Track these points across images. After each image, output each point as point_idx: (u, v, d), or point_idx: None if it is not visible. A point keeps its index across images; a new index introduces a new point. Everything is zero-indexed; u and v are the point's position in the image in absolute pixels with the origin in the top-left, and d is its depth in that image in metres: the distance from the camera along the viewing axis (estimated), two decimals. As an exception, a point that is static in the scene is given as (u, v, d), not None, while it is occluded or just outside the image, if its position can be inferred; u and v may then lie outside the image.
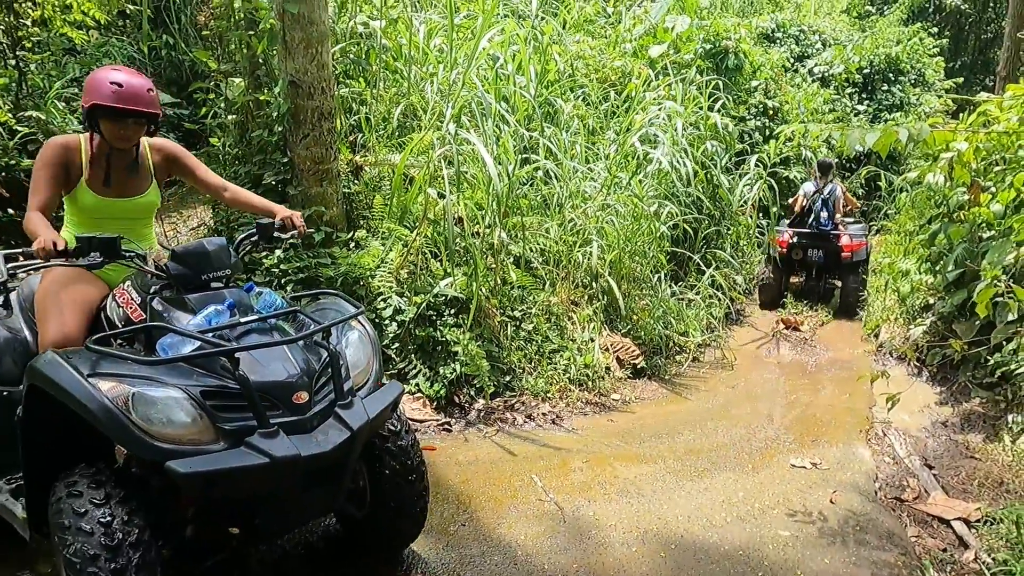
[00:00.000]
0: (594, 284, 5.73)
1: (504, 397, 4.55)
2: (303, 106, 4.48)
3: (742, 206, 7.96)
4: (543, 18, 6.81)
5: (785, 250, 7.70)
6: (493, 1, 4.76)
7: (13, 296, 2.91)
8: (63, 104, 6.54)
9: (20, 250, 3.24)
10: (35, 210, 2.48)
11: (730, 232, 7.80)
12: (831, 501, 3.53)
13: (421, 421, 4.13)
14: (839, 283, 7.95)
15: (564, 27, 8.01)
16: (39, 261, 2.37)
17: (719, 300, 6.78)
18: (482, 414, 4.35)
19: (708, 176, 7.43)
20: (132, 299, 2.41)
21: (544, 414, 4.46)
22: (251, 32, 4.66)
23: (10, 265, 2.84)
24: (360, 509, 2.65)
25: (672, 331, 5.99)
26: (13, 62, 5.69)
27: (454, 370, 4.38)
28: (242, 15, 4.70)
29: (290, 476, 2.12)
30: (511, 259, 5.21)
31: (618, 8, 10.31)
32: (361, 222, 4.99)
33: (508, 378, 4.65)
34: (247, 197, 2.95)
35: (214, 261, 2.36)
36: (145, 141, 2.74)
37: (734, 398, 5.27)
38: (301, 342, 2.28)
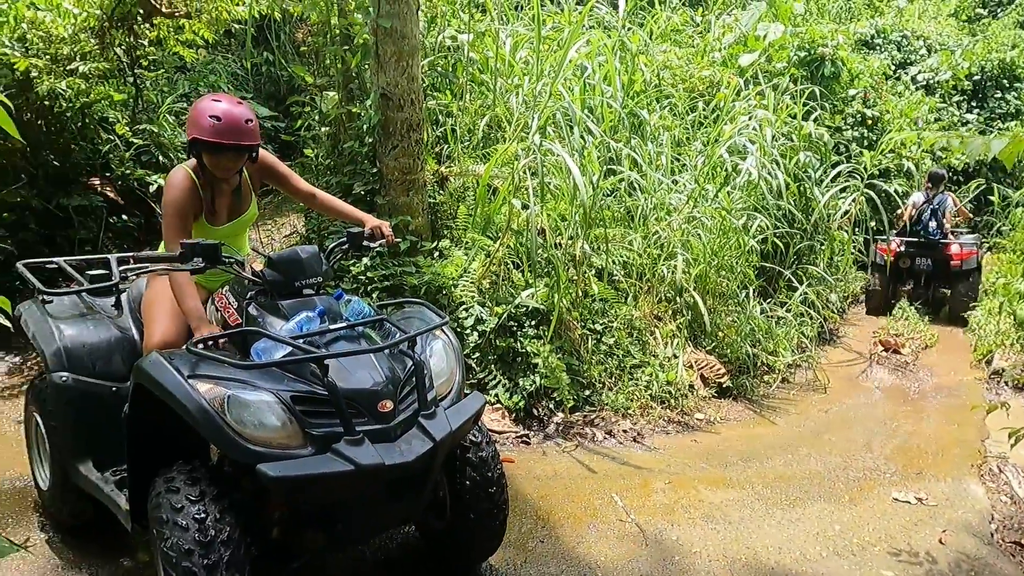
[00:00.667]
0: (678, 299, 5.56)
1: (583, 412, 4.47)
2: (393, 118, 4.58)
3: (838, 219, 7.56)
4: (630, 28, 6.73)
5: (893, 258, 7.63)
6: (581, 13, 4.73)
7: (123, 297, 3.08)
8: (173, 118, 7.00)
9: (131, 254, 3.47)
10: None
11: (824, 247, 7.42)
12: (940, 541, 3.25)
13: (500, 432, 4.11)
14: (948, 291, 7.78)
15: (651, 37, 7.88)
16: (147, 265, 2.51)
17: (811, 319, 6.45)
18: (561, 428, 4.29)
19: (801, 188, 7.10)
20: (230, 303, 2.51)
21: (625, 431, 4.35)
22: (346, 47, 4.82)
23: (121, 268, 3.05)
24: (440, 520, 2.65)
25: (760, 350, 5.73)
26: (131, 79, 6.13)
27: (533, 382, 4.34)
28: (338, 31, 4.87)
29: (373, 484, 2.15)
30: (593, 271, 5.13)
31: (707, 17, 10.07)
32: (445, 232, 5.05)
33: (588, 392, 4.57)
34: (337, 204, 3.02)
35: (307, 269, 2.41)
36: None
37: (827, 423, 4.97)
38: (387, 350, 2.31)
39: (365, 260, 4.51)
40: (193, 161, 2.65)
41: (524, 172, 4.37)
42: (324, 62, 5.77)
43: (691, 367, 5.23)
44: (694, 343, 5.50)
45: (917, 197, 7.84)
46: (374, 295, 4.45)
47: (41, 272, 3.24)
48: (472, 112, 5.96)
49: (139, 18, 5.54)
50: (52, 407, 2.82)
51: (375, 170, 4.73)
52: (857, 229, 7.82)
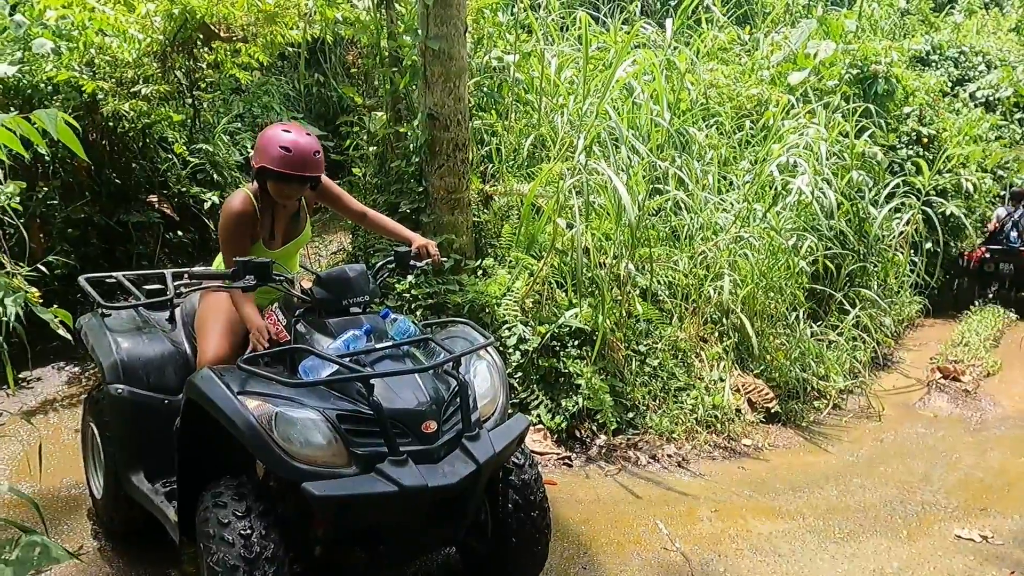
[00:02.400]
0: (724, 320, 5.44)
1: (627, 435, 4.40)
2: (439, 138, 4.63)
3: (892, 240, 7.31)
4: (676, 47, 6.69)
5: (978, 263, 8.72)
6: (628, 33, 4.72)
7: (177, 311, 3.16)
8: (228, 137, 7.22)
9: (186, 270, 3.53)
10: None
11: (878, 269, 7.18)
12: (1008, 583, 3.07)
13: (541, 454, 4.06)
14: None
15: (698, 55, 7.82)
16: (201, 282, 2.55)
17: (864, 343, 6.23)
18: (604, 451, 4.22)
19: (854, 208, 6.90)
20: (279, 320, 2.56)
21: (669, 456, 4.26)
22: (395, 68, 4.91)
23: (175, 283, 3.24)
24: (481, 543, 2.61)
25: (810, 374, 5.55)
26: (190, 101, 6.36)
27: (576, 403, 4.29)
28: (387, 53, 4.97)
29: (417, 506, 2.16)
30: (637, 291, 5.07)
31: (754, 36, 9.95)
32: (489, 250, 5.07)
33: (631, 415, 4.49)
34: (386, 223, 3.07)
35: (355, 287, 2.43)
36: None
37: (882, 453, 4.77)
38: (431, 370, 2.30)
39: (410, 278, 4.54)
40: (254, 185, 2.71)
41: (569, 191, 4.36)
42: (373, 83, 5.90)
43: (738, 391, 5.09)
44: (741, 366, 5.36)
45: (1001, 212, 9.04)
46: (418, 313, 4.47)
47: (100, 286, 3.33)
48: (517, 132, 6.00)
49: (199, 43, 5.75)
50: (107, 417, 2.91)
51: (421, 189, 4.78)
52: (914, 252, 7.55)
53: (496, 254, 5.01)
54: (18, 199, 4.44)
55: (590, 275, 4.62)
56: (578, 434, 4.30)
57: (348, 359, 2.20)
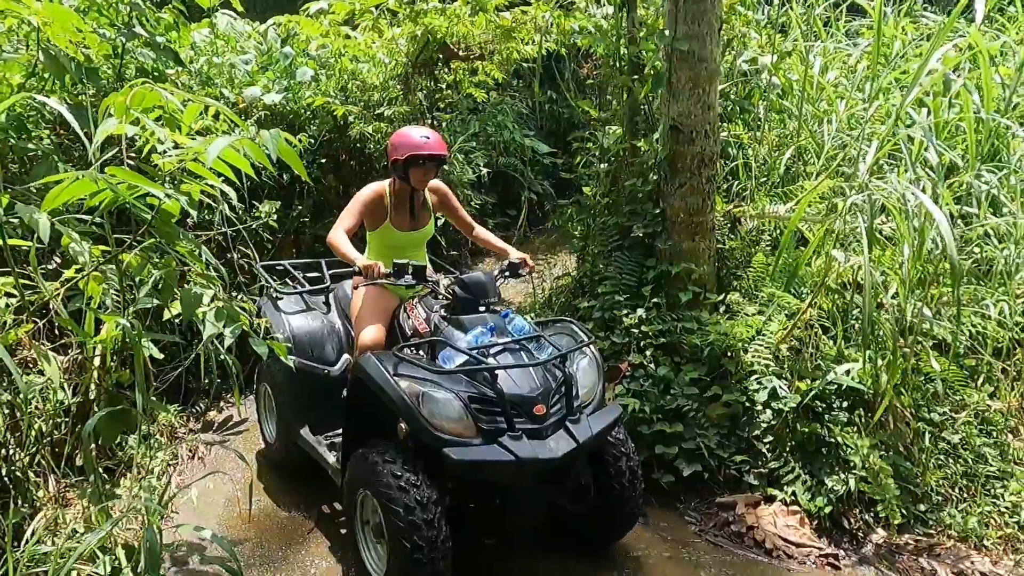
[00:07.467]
0: (1057, 387, 4.07)
1: (915, 533, 3.38)
2: (683, 152, 4.05)
3: None
4: (985, 33, 5.32)
5: None
6: (950, 16, 3.69)
7: (331, 297, 3.78)
8: (462, 156, 7.33)
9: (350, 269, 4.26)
10: (343, 230, 3.10)
11: None
12: None
13: (797, 545, 3.24)
14: None
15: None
16: (361, 278, 3.17)
17: None
18: (883, 551, 3.26)
19: None
20: (419, 314, 3.08)
21: (983, 574, 3.16)
22: (635, 77, 4.43)
23: (331, 271, 3.93)
24: (578, 504, 2.95)
25: None
26: (429, 121, 6.51)
27: (845, 483, 3.39)
28: (627, 60, 4.51)
29: (528, 473, 2.58)
30: (930, 343, 3.97)
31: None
32: (734, 283, 4.34)
33: (922, 507, 3.45)
34: (487, 237, 3.58)
35: (488, 291, 2.91)
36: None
37: None
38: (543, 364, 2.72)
39: (640, 312, 4.01)
40: (389, 181, 3.27)
41: (852, 214, 3.48)
42: (607, 96, 5.49)
43: (1080, 487, 3.73)
44: (1083, 452, 3.95)
45: None
46: (647, 352, 3.92)
47: (272, 272, 3.99)
48: (770, 144, 5.17)
49: (439, 63, 5.83)
50: (279, 381, 3.52)
51: (658, 211, 4.23)
52: None
53: (743, 288, 4.27)
54: (275, 217, 4.77)
55: (873, 319, 3.67)
56: (846, 524, 3.39)
57: (476, 351, 2.65)
